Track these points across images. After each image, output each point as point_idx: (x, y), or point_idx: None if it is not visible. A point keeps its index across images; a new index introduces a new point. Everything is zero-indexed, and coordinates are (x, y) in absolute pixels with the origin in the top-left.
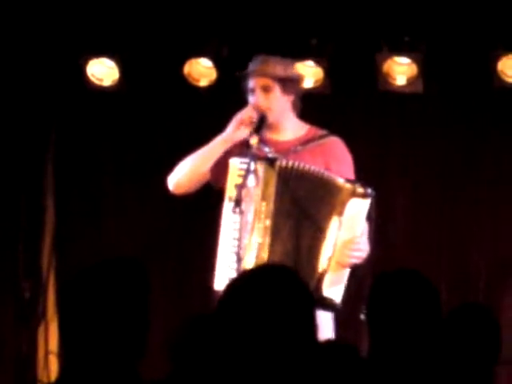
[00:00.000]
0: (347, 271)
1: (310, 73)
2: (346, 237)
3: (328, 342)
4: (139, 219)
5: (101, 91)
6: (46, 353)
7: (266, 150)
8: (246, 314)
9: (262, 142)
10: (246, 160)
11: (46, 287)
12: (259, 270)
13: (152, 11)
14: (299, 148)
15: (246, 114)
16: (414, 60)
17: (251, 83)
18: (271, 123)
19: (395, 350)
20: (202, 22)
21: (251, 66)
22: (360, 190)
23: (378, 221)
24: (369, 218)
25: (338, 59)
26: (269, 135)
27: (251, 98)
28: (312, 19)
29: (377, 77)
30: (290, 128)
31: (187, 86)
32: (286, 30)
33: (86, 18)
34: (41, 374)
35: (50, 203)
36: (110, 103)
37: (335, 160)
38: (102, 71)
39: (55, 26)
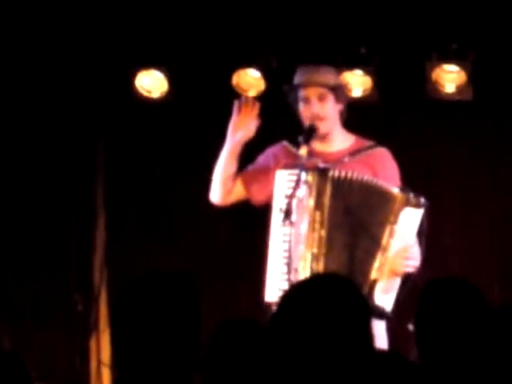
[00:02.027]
0: (399, 280)
1: (358, 82)
2: (399, 245)
3: (380, 352)
4: (190, 233)
5: (149, 103)
6: (99, 365)
7: (315, 160)
8: (302, 324)
9: (310, 152)
10: (295, 171)
11: (97, 300)
12: (314, 280)
13: (201, 23)
14: (347, 159)
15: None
16: (463, 67)
17: (304, 92)
18: (322, 133)
19: (444, 360)
20: (250, 32)
21: (300, 76)
22: (414, 199)
23: (429, 230)
24: (421, 227)
25: (386, 68)
26: (316, 146)
27: (304, 108)
28: (360, 28)
29: (425, 85)
30: (338, 139)
31: (236, 97)
32: (335, 39)
33: (136, 29)
34: None
35: (101, 216)
36: (158, 115)
37: (383, 170)
38: (151, 83)
39: (105, 38)
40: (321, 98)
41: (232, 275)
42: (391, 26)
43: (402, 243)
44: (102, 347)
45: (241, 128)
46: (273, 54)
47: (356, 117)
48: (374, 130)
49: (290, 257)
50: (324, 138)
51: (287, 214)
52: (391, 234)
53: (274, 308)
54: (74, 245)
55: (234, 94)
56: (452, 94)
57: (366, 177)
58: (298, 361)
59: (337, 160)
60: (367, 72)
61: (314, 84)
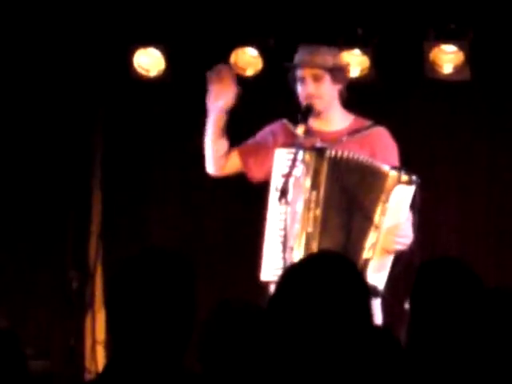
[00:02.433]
0: (391, 258)
1: (356, 62)
2: (391, 223)
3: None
4: (185, 210)
5: (147, 81)
6: (94, 343)
7: (313, 139)
8: (302, 304)
9: (309, 131)
10: (293, 150)
11: (93, 278)
12: (312, 259)
13: (199, 1)
14: (345, 138)
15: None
16: (461, 47)
17: (301, 73)
18: (319, 112)
19: (435, 340)
20: (248, 11)
21: (300, 56)
22: (405, 176)
23: (422, 207)
24: (413, 204)
25: (384, 48)
26: (315, 125)
27: (300, 88)
28: (358, 8)
29: (423, 65)
30: (337, 118)
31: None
32: (332, 19)
33: (133, 8)
34: (88, 364)
35: (97, 194)
36: (156, 93)
37: (381, 150)
38: (149, 61)
39: (103, 16)
40: (316, 79)
41: (229, 253)
42: (389, 5)
43: (394, 221)
44: (97, 326)
45: (220, 97)
46: (270, 33)
47: (354, 96)
48: (371, 109)
49: (285, 235)
50: (321, 117)
51: (283, 192)
52: (383, 212)
53: (271, 287)
54: (69, 222)
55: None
56: (450, 75)
57: (362, 156)
58: (298, 341)
59: (335, 139)
60: (365, 52)
61: (311, 64)
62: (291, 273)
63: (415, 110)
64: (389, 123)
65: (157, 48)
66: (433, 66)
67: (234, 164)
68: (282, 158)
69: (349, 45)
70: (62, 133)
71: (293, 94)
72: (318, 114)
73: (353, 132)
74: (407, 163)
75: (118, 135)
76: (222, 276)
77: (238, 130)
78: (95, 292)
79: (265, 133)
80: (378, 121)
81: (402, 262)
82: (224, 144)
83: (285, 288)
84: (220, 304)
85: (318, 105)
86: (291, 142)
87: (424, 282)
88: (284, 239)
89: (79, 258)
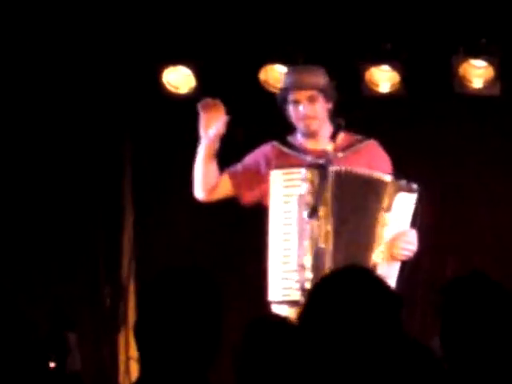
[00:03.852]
0: (397, 265)
1: (385, 77)
2: (395, 231)
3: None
4: (215, 224)
5: (176, 99)
6: (127, 359)
7: (308, 158)
8: (334, 319)
9: (302, 150)
10: (290, 170)
11: (126, 294)
12: (339, 274)
13: (228, 18)
14: (340, 154)
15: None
16: (491, 63)
17: (295, 95)
18: (312, 131)
19: (469, 356)
20: (276, 28)
21: (289, 78)
22: (406, 185)
23: (424, 215)
24: (416, 212)
25: (413, 63)
26: (308, 145)
27: (294, 110)
28: (386, 23)
29: (453, 80)
30: (327, 136)
31: (262, 93)
32: (361, 34)
33: (163, 25)
34: (122, 380)
35: (128, 210)
36: (186, 110)
37: (377, 161)
38: (178, 79)
39: (132, 33)
40: (311, 100)
41: (240, 274)
42: (418, 20)
43: (399, 228)
44: (131, 341)
45: (211, 125)
46: (299, 50)
47: (384, 111)
48: (401, 124)
49: (299, 253)
50: (314, 136)
51: (314, 209)
52: (386, 221)
53: (274, 306)
54: (102, 240)
55: (260, 90)
56: (479, 90)
57: (362, 169)
58: (331, 356)
59: (331, 156)
60: (394, 67)
61: (304, 87)
62: (319, 289)
63: (444, 125)
64: (418, 138)
65: (186, 65)
66: (462, 81)
67: (225, 188)
68: (278, 178)
69: (377, 60)
70: (92, 150)
71: (281, 115)
72: (313, 135)
73: (346, 147)
74: (437, 176)
75: (147, 153)
76: (233, 296)
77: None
78: (129, 307)
79: (255, 156)
80: (366, 135)
81: (408, 269)
82: (214, 169)
83: (317, 303)
84: (254, 321)
85: (313, 125)
86: (286, 162)
87: (454, 301)
88: (299, 256)
89: (112, 275)
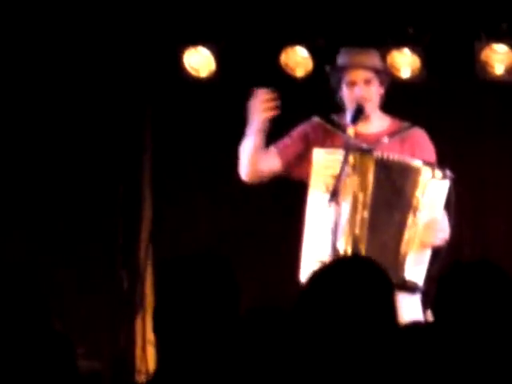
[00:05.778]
0: (429, 252)
1: (406, 62)
2: (427, 218)
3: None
4: (235, 210)
5: (197, 82)
6: (144, 343)
7: (356, 141)
8: (327, 306)
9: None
10: (332, 150)
11: (143, 277)
12: (336, 264)
13: (249, 0)
14: (386, 140)
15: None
16: None
17: (351, 76)
18: (367, 114)
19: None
20: (298, 11)
21: (345, 59)
22: (439, 172)
23: (457, 203)
24: (448, 199)
25: (434, 47)
26: (356, 127)
27: (348, 91)
28: (409, 7)
29: (474, 65)
30: (376, 120)
31: (283, 76)
32: (382, 18)
33: (184, 6)
34: (139, 364)
35: (147, 194)
36: (206, 93)
37: (421, 150)
38: (199, 61)
39: (154, 15)
40: (367, 82)
41: (269, 254)
42: (440, 4)
43: (431, 216)
44: (148, 326)
45: (263, 109)
46: (320, 33)
47: (404, 97)
48: (421, 109)
49: (334, 238)
50: (365, 120)
51: (334, 193)
52: (419, 207)
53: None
54: (120, 222)
55: (281, 73)
56: (501, 75)
57: (404, 157)
58: (323, 340)
59: (376, 141)
60: (415, 51)
61: (362, 66)
62: (315, 277)
63: (466, 111)
64: (439, 123)
65: (206, 47)
66: (484, 67)
67: (272, 164)
68: (320, 158)
69: (399, 44)
70: (111, 134)
71: (333, 96)
72: (367, 117)
73: (392, 133)
74: (456, 162)
75: (167, 135)
76: (262, 278)
77: (289, 130)
78: (146, 292)
79: (301, 132)
80: (413, 122)
81: (441, 259)
82: (261, 147)
83: (309, 292)
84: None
85: (368, 108)
86: (329, 140)
87: (448, 286)
88: (333, 241)
89: (129, 258)
